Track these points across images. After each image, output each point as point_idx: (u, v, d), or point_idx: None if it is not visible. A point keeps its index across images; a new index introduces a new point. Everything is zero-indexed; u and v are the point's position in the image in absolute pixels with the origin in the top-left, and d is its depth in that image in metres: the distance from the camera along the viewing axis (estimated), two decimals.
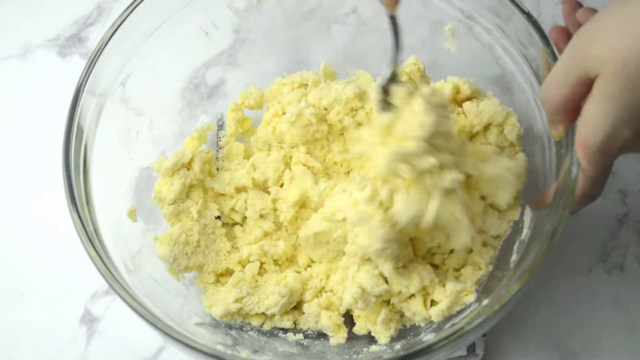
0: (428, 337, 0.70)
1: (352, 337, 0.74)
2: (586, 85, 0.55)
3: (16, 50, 0.99)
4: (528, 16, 0.69)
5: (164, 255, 0.74)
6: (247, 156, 0.82)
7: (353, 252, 0.69)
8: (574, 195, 0.61)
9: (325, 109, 0.78)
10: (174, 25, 0.78)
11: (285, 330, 0.75)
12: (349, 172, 0.79)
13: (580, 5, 0.68)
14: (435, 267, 0.73)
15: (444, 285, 0.70)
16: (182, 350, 0.62)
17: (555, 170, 0.66)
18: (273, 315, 0.74)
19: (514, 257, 0.69)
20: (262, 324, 0.75)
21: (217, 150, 0.84)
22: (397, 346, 0.71)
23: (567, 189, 0.61)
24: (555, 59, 0.66)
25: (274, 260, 0.77)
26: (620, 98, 0.53)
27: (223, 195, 0.80)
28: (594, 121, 0.55)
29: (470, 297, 0.69)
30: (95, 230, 0.66)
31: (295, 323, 0.75)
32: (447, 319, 0.70)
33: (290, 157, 0.79)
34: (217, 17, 0.83)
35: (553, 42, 0.67)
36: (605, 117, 0.54)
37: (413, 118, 0.64)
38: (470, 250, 0.72)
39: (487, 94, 0.78)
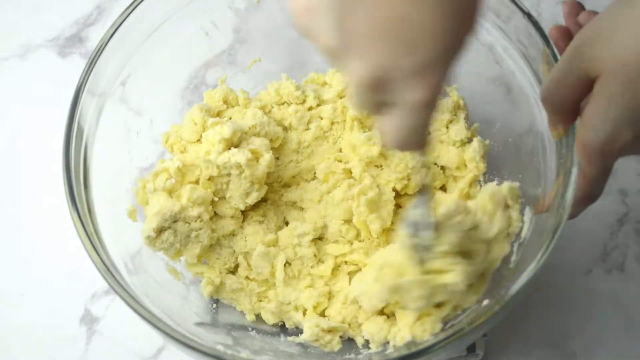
0: (428, 337, 0.70)
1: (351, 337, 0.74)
2: (587, 86, 0.55)
3: (16, 50, 0.99)
4: (528, 16, 0.69)
5: None
6: None
7: None
8: (574, 195, 0.61)
9: None
10: (174, 25, 0.78)
11: (286, 331, 0.75)
12: None
13: (581, 6, 0.68)
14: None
15: None
16: (182, 350, 0.62)
17: (555, 170, 0.66)
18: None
19: (514, 257, 0.69)
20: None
21: None
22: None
23: (568, 189, 0.61)
24: (555, 59, 0.65)
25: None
26: (621, 99, 0.53)
27: None
28: (594, 122, 0.55)
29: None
30: (95, 230, 0.66)
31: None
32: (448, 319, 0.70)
33: None
34: (217, 17, 0.83)
35: (553, 41, 0.67)
36: (606, 118, 0.54)
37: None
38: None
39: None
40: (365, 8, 0.42)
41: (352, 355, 0.72)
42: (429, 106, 0.45)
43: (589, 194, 0.61)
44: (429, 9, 0.41)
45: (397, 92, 0.44)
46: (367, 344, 0.73)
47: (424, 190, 0.63)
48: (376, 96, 0.45)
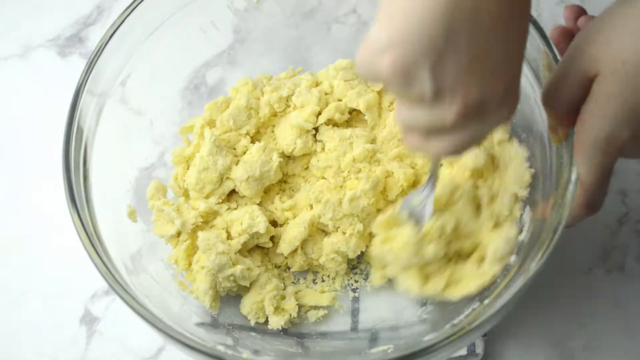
0: (428, 337, 0.70)
1: (353, 335, 0.74)
2: (586, 87, 0.55)
3: (16, 50, 0.99)
4: None
5: None
6: None
7: None
8: (574, 195, 0.61)
9: None
10: (174, 25, 0.78)
11: (286, 331, 0.76)
12: None
13: (582, 10, 0.68)
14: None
15: None
16: (183, 351, 0.62)
17: (555, 171, 0.66)
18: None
19: (513, 257, 0.69)
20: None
21: None
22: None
23: (568, 189, 0.61)
24: (555, 59, 0.65)
25: None
26: (620, 97, 0.53)
27: None
28: (593, 120, 0.54)
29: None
30: (95, 230, 0.66)
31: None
32: (448, 319, 0.70)
33: None
34: (217, 17, 0.83)
35: (554, 42, 0.67)
36: (605, 116, 0.54)
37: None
38: None
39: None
40: (455, 55, 0.44)
41: (354, 356, 0.72)
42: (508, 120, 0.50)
43: (589, 203, 0.60)
44: (503, 40, 0.46)
45: (485, 115, 0.48)
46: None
47: (431, 179, 0.67)
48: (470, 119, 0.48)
